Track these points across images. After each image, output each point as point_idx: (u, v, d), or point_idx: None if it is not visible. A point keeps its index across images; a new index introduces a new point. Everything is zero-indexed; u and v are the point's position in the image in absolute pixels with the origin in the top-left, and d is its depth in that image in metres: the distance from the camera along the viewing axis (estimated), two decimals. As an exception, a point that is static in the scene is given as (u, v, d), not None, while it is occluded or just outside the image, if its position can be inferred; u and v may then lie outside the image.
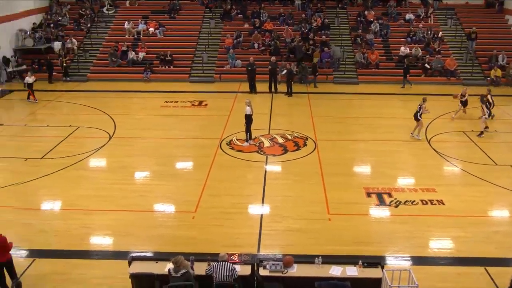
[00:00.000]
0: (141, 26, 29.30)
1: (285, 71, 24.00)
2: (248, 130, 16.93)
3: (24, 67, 26.41)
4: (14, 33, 27.33)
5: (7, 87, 25.00)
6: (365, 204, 12.93)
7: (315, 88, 24.74)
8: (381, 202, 12.96)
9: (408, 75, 25.10)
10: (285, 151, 16.58)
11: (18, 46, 27.44)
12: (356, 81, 25.91)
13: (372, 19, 29.28)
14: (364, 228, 11.82)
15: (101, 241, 11.41)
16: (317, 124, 19.13)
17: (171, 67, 26.93)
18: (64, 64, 26.18)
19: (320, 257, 9.19)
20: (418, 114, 17.21)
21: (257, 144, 17.03)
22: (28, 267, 10.17)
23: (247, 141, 16.98)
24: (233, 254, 9.25)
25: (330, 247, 10.85)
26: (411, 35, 28.01)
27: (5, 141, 17.67)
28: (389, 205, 12.80)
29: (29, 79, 22.12)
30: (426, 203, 12.86)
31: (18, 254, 10.32)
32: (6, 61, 25.97)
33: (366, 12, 29.81)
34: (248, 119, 16.78)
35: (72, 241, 11.20)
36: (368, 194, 13.39)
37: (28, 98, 22.35)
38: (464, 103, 19.82)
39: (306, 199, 13.12)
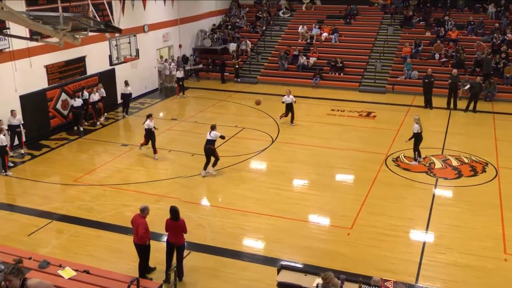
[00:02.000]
0: (315, 31, 29.95)
1: (468, 86, 22.50)
2: (416, 148, 16.24)
3: (200, 66, 28.88)
4: (195, 33, 30.07)
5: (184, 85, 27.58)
6: (553, 248, 11.48)
7: None
8: None
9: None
10: (459, 175, 15.50)
11: (197, 46, 30.13)
12: (556, 103, 23.14)
13: None
14: (549, 277, 10.50)
15: (253, 244, 11.94)
16: (501, 149, 17.52)
17: (342, 74, 27.03)
18: (237, 66, 27.97)
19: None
20: None
21: (427, 165, 16.22)
22: (183, 258, 11.08)
23: (415, 159, 16.28)
24: (388, 281, 8.92)
25: (502, 291, 9.87)
26: None
27: (177, 135, 19.52)
28: None
29: (179, 73, 24.83)
30: None
31: (176, 244, 11.31)
32: (185, 59, 28.67)
33: None
34: (417, 137, 16.09)
35: (225, 239, 11.92)
36: (559, 238, 11.86)
37: (178, 93, 24.86)
38: None
39: (478, 233, 12.09)
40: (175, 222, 9.97)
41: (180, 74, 25.09)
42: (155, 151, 16.91)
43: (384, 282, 8.79)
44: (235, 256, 11.26)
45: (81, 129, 19.84)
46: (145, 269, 10.27)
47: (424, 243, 11.73)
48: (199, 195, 14.49)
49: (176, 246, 10.12)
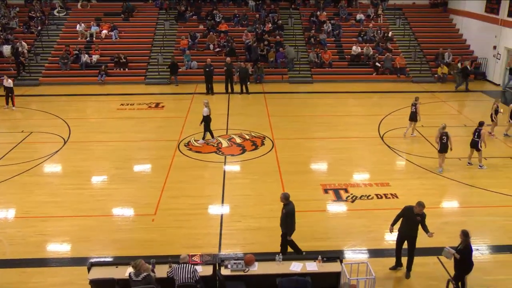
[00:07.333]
0: (94, 29, 28.61)
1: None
2: (208, 129, 16.91)
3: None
4: (-40, 37, 26.18)
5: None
6: (323, 200, 13.12)
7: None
8: (338, 198, 13.19)
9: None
10: (243, 150, 16.60)
11: (-35, 50, 26.29)
12: (310, 80, 26.24)
13: (324, 20, 29.70)
14: (322, 224, 12.00)
15: (59, 248, 11.07)
16: (274, 123, 19.25)
17: (126, 69, 26.46)
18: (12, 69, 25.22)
19: (280, 254, 9.27)
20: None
21: (216, 145, 16.99)
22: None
23: (203, 138, 17.01)
24: (195, 255, 9.19)
25: (290, 244, 10.94)
26: (362, 35, 28.60)
27: (-47, 148, 16.88)
28: (346, 201, 13.05)
29: (6, 82, 21.21)
30: (381, 197, 13.18)
31: (-30, 265, 9.92)
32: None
33: (318, 13, 30.21)
34: (207, 119, 16.75)
35: (28, 249, 10.85)
36: (325, 191, 13.60)
37: (7, 103, 21.41)
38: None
39: (265, 198, 13.18)
40: None
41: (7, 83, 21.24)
42: None
43: (191, 257, 9.04)
44: (42, 264, 10.34)
45: None
46: None
47: (222, 216, 12.34)
48: (-10, 208, 12.84)
49: None
